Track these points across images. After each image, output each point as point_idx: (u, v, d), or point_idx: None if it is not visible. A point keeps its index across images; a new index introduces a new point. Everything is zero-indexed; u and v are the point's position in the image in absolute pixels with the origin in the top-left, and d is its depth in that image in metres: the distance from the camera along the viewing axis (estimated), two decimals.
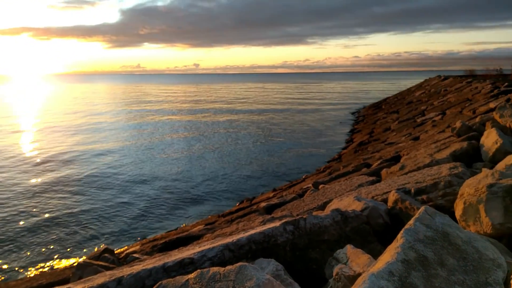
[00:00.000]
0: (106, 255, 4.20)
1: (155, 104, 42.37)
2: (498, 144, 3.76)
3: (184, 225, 9.02)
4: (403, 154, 6.63)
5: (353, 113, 29.60)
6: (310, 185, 5.78)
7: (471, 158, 4.03)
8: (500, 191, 1.74)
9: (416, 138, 9.80)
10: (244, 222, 3.59)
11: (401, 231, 1.32)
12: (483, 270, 1.21)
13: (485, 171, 2.39)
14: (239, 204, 10.05)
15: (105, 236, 8.16)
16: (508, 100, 9.31)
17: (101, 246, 7.07)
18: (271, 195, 9.28)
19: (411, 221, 1.36)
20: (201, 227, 7.18)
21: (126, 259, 4.27)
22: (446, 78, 26.17)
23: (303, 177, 11.75)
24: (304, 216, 2.10)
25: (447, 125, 9.44)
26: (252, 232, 2.04)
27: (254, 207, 6.39)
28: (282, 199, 4.80)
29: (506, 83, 13.86)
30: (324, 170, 11.17)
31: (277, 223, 2.08)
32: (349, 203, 2.43)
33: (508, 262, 1.33)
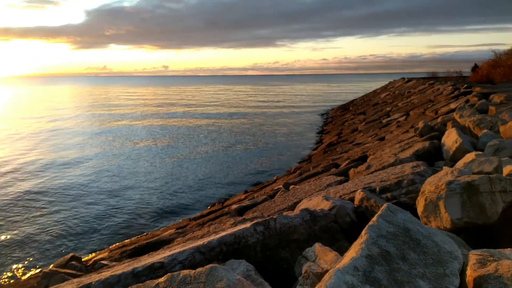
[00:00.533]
0: (73, 262, 4.07)
1: (124, 107, 41.32)
2: (458, 143, 3.96)
3: (154, 230, 8.85)
4: (370, 154, 6.84)
5: (322, 115, 30.15)
6: (281, 186, 5.85)
7: (433, 157, 4.21)
8: (458, 188, 1.84)
9: (382, 139, 10.12)
10: (216, 225, 3.59)
11: (365, 228, 1.38)
12: (441, 263, 1.28)
13: (445, 169, 2.52)
14: (210, 207, 9.99)
15: (72, 243, 7.89)
16: (467, 101, 9.80)
17: (68, 254, 6.82)
18: (243, 197, 9.30)
19: (374, 218, 1.42)
20: (172, 231, 7.08)
21: (94, 266, 4.16)
22: (409, 80, 27.19)
23: (274, 178, 11.85)
24: (274, 217, 2.13)
25: (411, 126, 9.81)
26: (223, 234, 2.04)
27: (226, 209, 6.38)
28: (253, 200, 4.82)
29: (466, 85, 14.57)
30: (295, 171, 11.31)
31: (247, 224, 2.10)
32: (317, 203, 2.49)
33: (464, 254, 1.42)
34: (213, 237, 2.08)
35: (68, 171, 13.63)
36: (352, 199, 2.69)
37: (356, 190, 2.92)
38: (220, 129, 24.13)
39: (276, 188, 6.34)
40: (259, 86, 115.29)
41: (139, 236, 8.48)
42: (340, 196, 2.91)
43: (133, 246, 5.63)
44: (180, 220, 9.30)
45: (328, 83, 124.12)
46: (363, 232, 1.37)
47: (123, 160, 15.39)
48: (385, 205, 1.51)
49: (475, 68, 24.65)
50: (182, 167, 14.36)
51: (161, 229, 8.85)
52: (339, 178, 4.28)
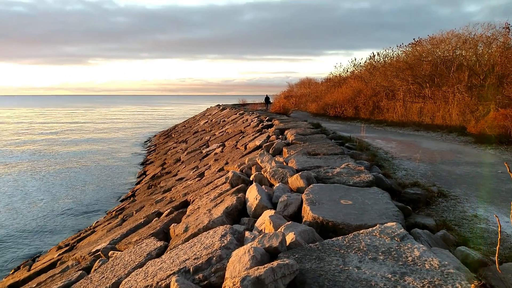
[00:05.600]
0: None
1: None
2: (257, 200, 4.66)
3: None
4: (190, 200, 7.23)
5: (145, 142, 29.56)
6: (100, 251, 5.53)
7: (240, 213, 4.82)
8: (249, 285, 2.25)
9: (202, 175, 10.77)
10: None
11: None
12: None
13: (244, 248, 2.97)
14: (13, 272, 8.52)
15: None
16: (268, 137, 11.43)
17: None
18: (55, 256, 8.30)
19: None
20: None
21: None
22: (224, 108, 29.69)
23: (94, 224, 11.01)
24: None
25: (226, 162, 10.80)
26: None
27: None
28: (67, 279, 4.42)
29: (268, 117, 16.94)
30: (117, 214, 10.79)
31: None
32: None
33: None
34: None
35: None
36: (168, 286, 2.86)
37: (173, 273, 3.11)
38: (20, 165, 20.59)
39: (94, 250, 5.94)
40: (71, 108, 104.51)
41: None
42: (157, 283, 3.04)
43: None
44: None
45: (149, 105, 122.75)
46: None
47: None
48: None
49: (267, 99, 29.21)
50: None
51: None
52: (159, 244, 4.39)
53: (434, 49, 17.09)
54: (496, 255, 2.04)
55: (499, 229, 1.87)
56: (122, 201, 13.77)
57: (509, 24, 15.62)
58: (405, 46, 18.82)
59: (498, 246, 1.97)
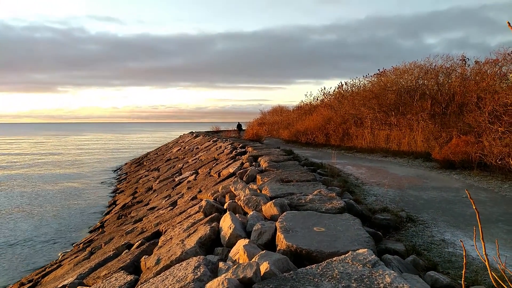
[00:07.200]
0: None
1: None
2: (231, 229, 4.63)
3: None
4: (162, 230, 7.06)
5: (115, 170, 28.83)
6: (67, 286, 5.26)
7: (214, 242, 4.76)
8: None
9: (174, 203, 10.59)
10: None
11: None
12: None
13: (217, 280, 2.93)
14: None
15: None
16: (242, 164, 11.46)
17: None
18: None
19: None
20: None
21: None
22: (197, 135, 29.60)
23: (60, 258, 10.49)
24: None
25: (199, 190, 10.70)
26: None
27: None
28: None
29: (241, 144, 17.01)
30: (84, 247, 10.34)
31: None
32: None
33: None
34: None
35: None
36: None
37: None
38: None
39: (60, 286, 5.64)
40: (37, 136, 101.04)
41: None
42: None
43: None
44: None
45: (120, 133, 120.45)
46: None
47: None
48: None
49: (239, 126, 29.61)
50: None
51: None
52: (129, 278, 4.24)
53: (398, 79, 17.97)
54: (463, 279, 2.14)
55: (464, 254, 1.97)
56: (90, 232, 13.25)
57: (465, 57, 16.76)
58: (371, 76, 19.70)
59: (464, 270, 2.07)
